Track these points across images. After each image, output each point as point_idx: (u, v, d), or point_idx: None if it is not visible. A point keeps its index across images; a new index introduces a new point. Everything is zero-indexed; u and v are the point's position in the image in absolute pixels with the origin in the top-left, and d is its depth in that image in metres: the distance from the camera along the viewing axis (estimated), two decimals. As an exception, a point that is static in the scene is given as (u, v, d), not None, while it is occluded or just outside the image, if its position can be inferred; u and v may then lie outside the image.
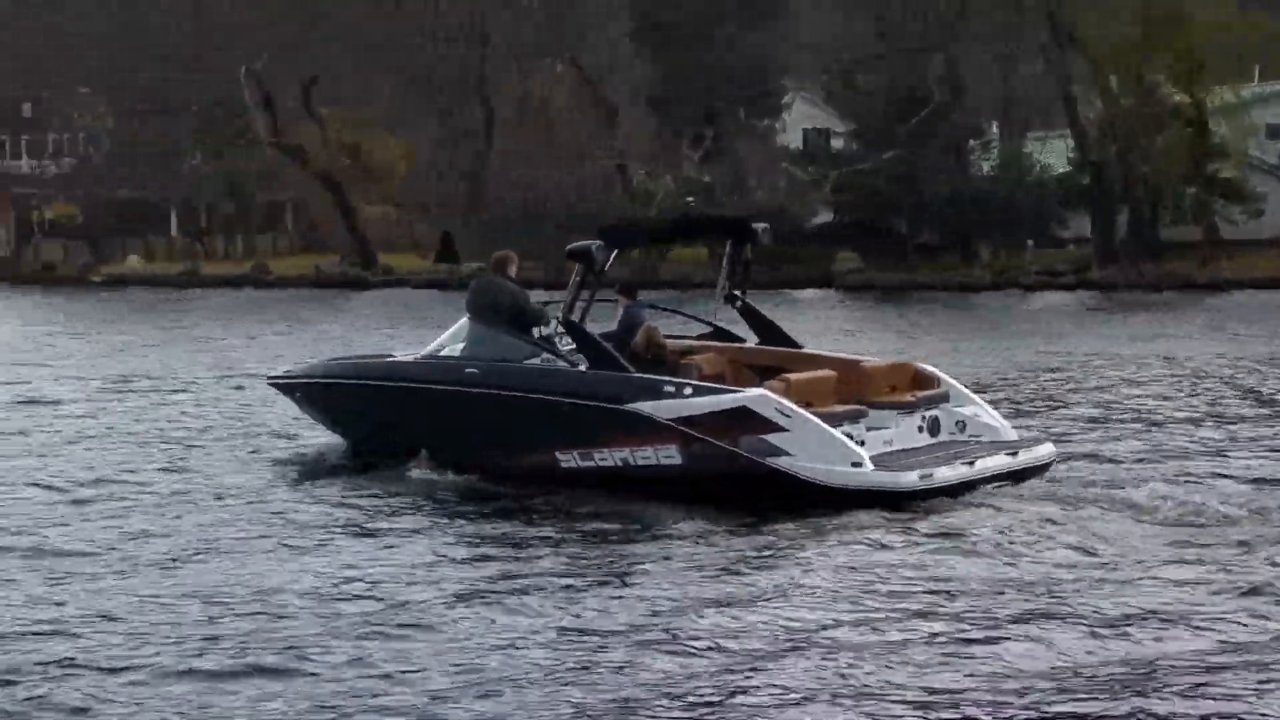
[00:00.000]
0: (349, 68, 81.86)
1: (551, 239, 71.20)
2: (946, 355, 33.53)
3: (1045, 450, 16.82)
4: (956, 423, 16.88)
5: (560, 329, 17.07)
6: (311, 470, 18.50)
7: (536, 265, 69.19)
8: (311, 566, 13.68)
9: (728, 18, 71.25)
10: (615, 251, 16.87)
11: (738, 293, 18.56)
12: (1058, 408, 24.60)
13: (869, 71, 71.54)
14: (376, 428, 18.23)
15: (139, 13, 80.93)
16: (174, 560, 13.95)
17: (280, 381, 20.32)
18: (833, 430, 15.39)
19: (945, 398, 17.03)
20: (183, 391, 27.39)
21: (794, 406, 15.43)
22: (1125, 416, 23.34)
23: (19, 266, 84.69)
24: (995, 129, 73.50)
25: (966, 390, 17.38)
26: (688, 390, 15.76)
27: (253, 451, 20.14)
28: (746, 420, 15.33)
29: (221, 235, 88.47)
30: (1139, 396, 25.72)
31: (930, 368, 17.64)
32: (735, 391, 15.84)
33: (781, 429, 15.18)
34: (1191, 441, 20.61)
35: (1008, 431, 17.00)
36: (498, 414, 16.68)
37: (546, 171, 75.37)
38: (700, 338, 18.35)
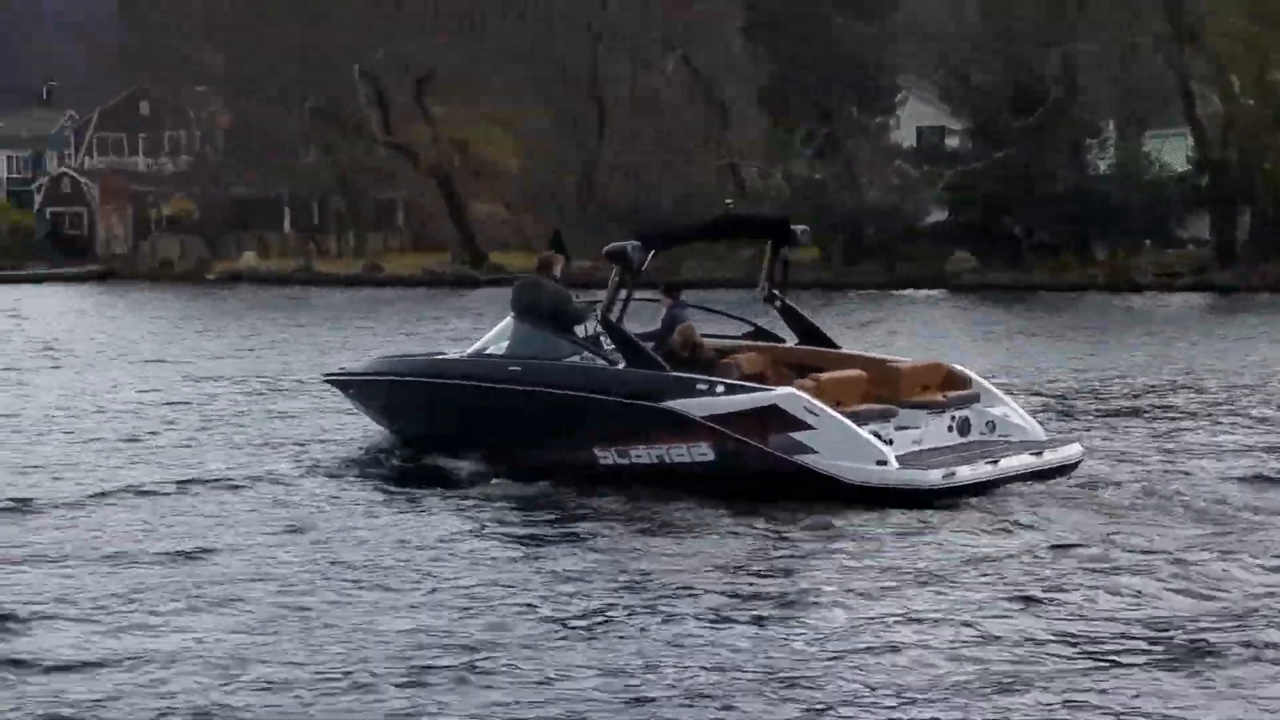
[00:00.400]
0: (462, 65, 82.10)
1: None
2: (1048, 356, 33.06)
3: (1072, 450, 17.00)
4: (987, 423, 17.06)
5: (600, 328, 17.30)
6: (364, 467, 18.83)
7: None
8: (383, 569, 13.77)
9: (841, 13, 70.77)
10: (652, 252, 17.02)
11: (777, 293, 18.71)
12: (1146, 412, 23.82)
13: (984, 69, 70.81)
14: (424, 424, 18.54)
15: (256, 11, 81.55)
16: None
17: (335, 378, 20.69)
18: (859, 429, 15.61)
19: (976, 398, 17.21)
20: (289, 392, 27.44)
21: (822, 405, 15.64)
22: (1221, 423, 22.64)
23: (136, 263, 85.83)
24: (1112, 127, 72.47)
25: (998, 391, 17.54)
26: (720, 389, 16.00)
27: (316, 448, 20.40)
28: (776, 418, 15.57)
29: (334, 232, 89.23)
30: (1240, 404, 24.91)
31: (962, 368, 17.78)
32: (766, 390, 16.07)
33: (810, 427, 15.43)
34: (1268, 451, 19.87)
35: (1037, 432, 17.17)
36: (538, 411, 16.95)
37: (657, 169, 75.28)
38: (743, 337, 18.53)
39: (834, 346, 18.21)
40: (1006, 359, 32.00)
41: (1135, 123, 71.84)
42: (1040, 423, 18.14)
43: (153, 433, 22.23)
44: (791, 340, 18.47)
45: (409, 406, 18.73)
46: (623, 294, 17.08)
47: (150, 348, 37.75)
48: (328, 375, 21.39)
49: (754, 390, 16.05)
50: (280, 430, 22.03)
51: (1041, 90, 67.79)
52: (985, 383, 17.54)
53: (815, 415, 15.49)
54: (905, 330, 41.26)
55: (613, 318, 16.95)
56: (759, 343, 18.28)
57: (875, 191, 69.70)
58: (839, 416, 15.59)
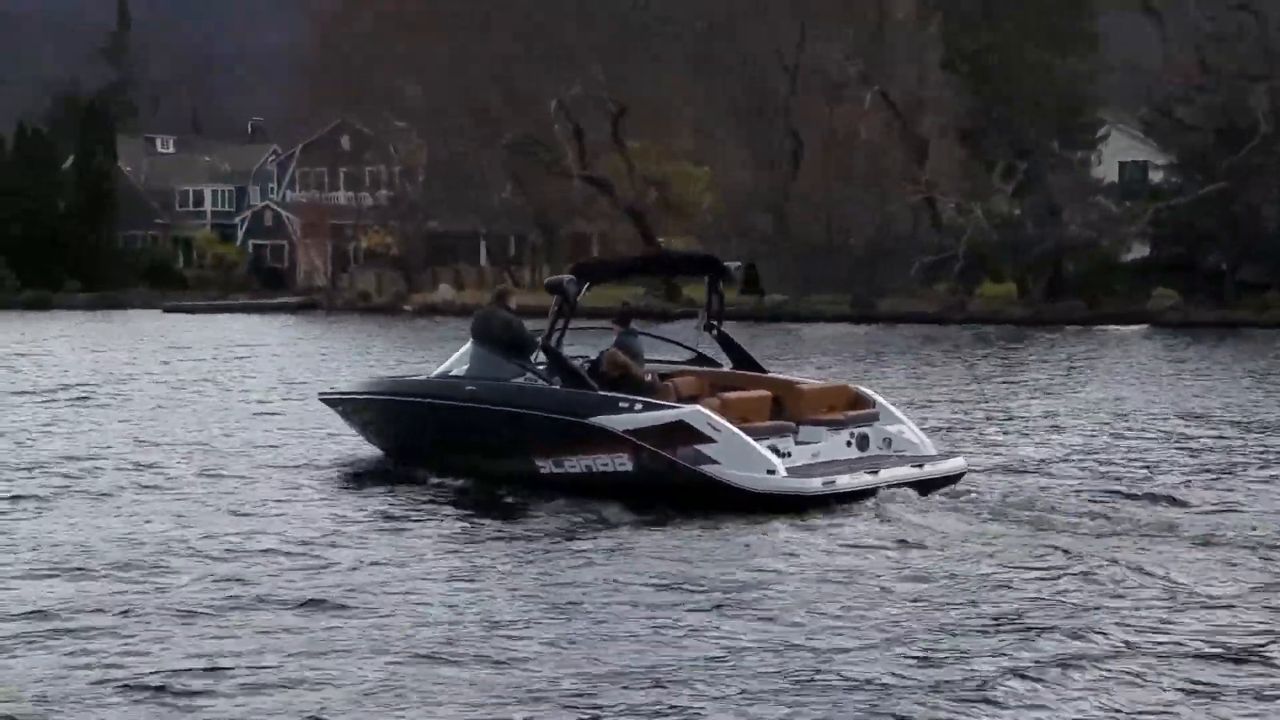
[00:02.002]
0: (658, 100, 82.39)
1: (855, 271, 70.74)
2: (1252, 394, 32.03)
3: (954, 464, 18.49)
4: (884, 439, 18.58)
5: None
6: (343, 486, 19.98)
7: (838, 298, 68.98)
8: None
9: (1043, 48, 69.84)
10: (587, 285, 18.95)
11: (714, 323, 20.27)
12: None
13: (1189, 103, 69.35)
14: (397, 439, 20.64)
15: (454, 47, 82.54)
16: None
17: (327, 397, 22.58)
18: (754, 442, 17.20)
19: (875, 417, 18.76)
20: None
21: (723, 421, 17.28)
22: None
23: (335, 295, 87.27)
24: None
25: (896, 411, 19.03)
26: (638, 406, 17.75)
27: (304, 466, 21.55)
28: (683, 432, 17.26)
29: (529, 265, 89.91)
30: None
31: (867, 390, 19.40)
32: (676, 408, 17.77)
33: (712, 440, 17.11)
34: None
35: (927, 447, 18.64)
36: (488, 425, 18.84)
37: (852, 203, 74.85)
38: (686, 362, 20.34)
39: (762, 371, 20.00)
40: (1212, 399, 31.08)
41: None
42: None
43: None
44: (727, 365, 20.17)
45: (384, 423, 20.77)
46: (560, 322, 18.85)
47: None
48: (322, 395, 23.10)
49: (666, 408, 17.74)
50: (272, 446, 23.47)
51: (1250, 125, 66.24)
52: (887, 404, 19.02)
53: (717, 430, 17.15)
54: (1103, 368, 40.22)
55: (552, 344, 18.80)
56: (699, 367, 20.10)
57: (1076, 226, 68.57)
58: (737, 431, 17.21)
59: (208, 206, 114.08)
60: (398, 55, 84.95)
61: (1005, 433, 24.92)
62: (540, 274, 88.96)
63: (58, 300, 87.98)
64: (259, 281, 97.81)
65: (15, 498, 18.46)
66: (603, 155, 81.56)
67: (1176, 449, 22.93)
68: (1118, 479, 19.85)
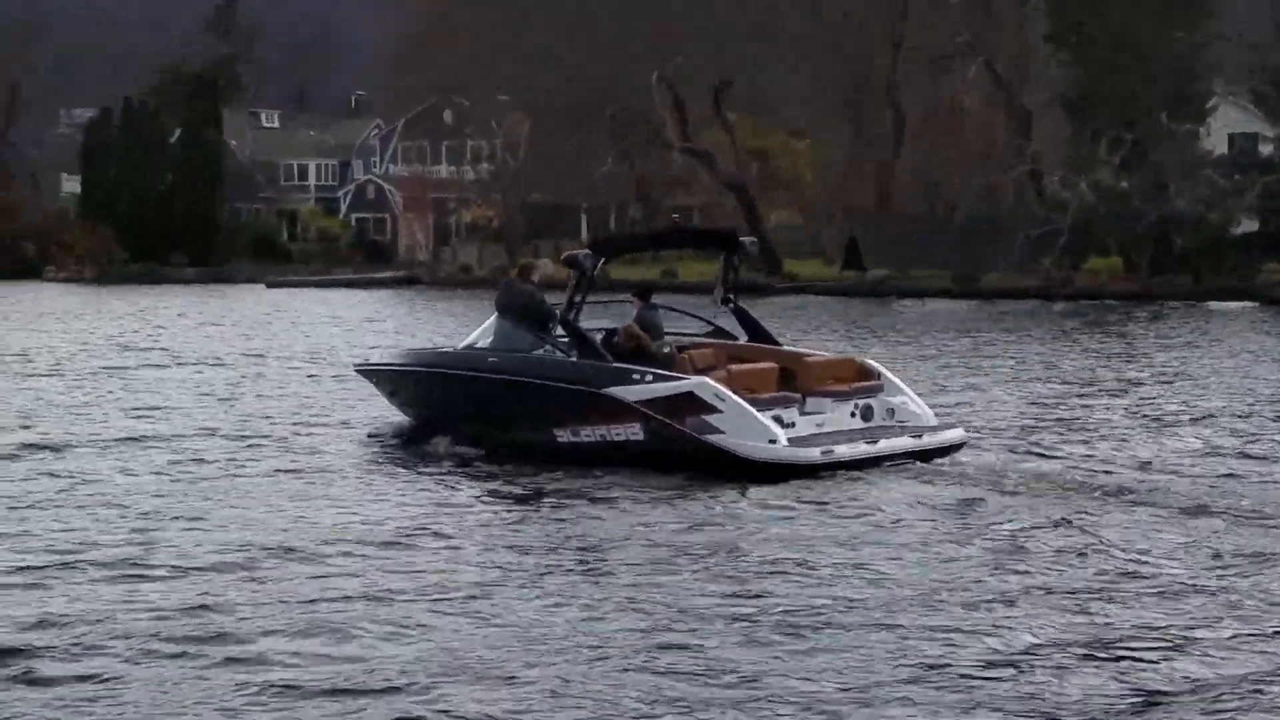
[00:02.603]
0: (760, 73, 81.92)
1: (958, 246, 69.91)
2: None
3: (953, 434, 19.12)
4: (887, 410, 19.21)
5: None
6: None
7: (940, 274, 68.17)
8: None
9: (1152, 18, 68.63)
10: (603, 259, 19.65)
11: (730, 296, 21.00)
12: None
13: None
14: (426, 408, 21.08)
15: (556, 21, 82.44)
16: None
17: (362, 369, 23.34)
18: (756, 412, 17.84)
19: (880, 389, 19.41)
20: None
21: (728, 392, 17.93)
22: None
23: (437, 269, 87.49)
24: None
25: (900, 382, 19.68)
26: (649, 377, 18.37)
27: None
28: (691, 403, 17.89)
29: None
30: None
31: (873, 363, 20.08)
32: (684, 378, 18.33)
33: (718, 410, 17.74)
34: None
35: (929, 418, 19.30)
36: (508, 395, 19.44)
37: (955, 177, 74.03)
38: (704, 335, 20.99)
39: (775, 344, 20.61)
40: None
41: None
42: None
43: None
44: (743, 338, 20.75)
45: (413, 393, 21.37)
46: (578, 296, 19.24)
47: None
48: (357, 366, 23.84)
49: (675, 379, 18.33)
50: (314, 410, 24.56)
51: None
52: (892, 376, 19.73)
53: (722, 400, 17.79)
54: (1206, 343, 39.44)
55: (570, 317, 19.24)
56: (716, 340, 20.66)
57: (1184, 201, 67.38)
58: (741, 401, 17.86)
59: (311, 180, 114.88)
60: (500, 28, 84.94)
61: (1088, 418, 24.32)
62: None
63: (165, 274, 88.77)
64: (362, 255, 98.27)
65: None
66: (704, 128, 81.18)
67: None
68: (1225, 461, 19.34)
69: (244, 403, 26.38)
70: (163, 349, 38.60)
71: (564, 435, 18.84)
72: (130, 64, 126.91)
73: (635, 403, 18.22)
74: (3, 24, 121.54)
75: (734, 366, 18.99)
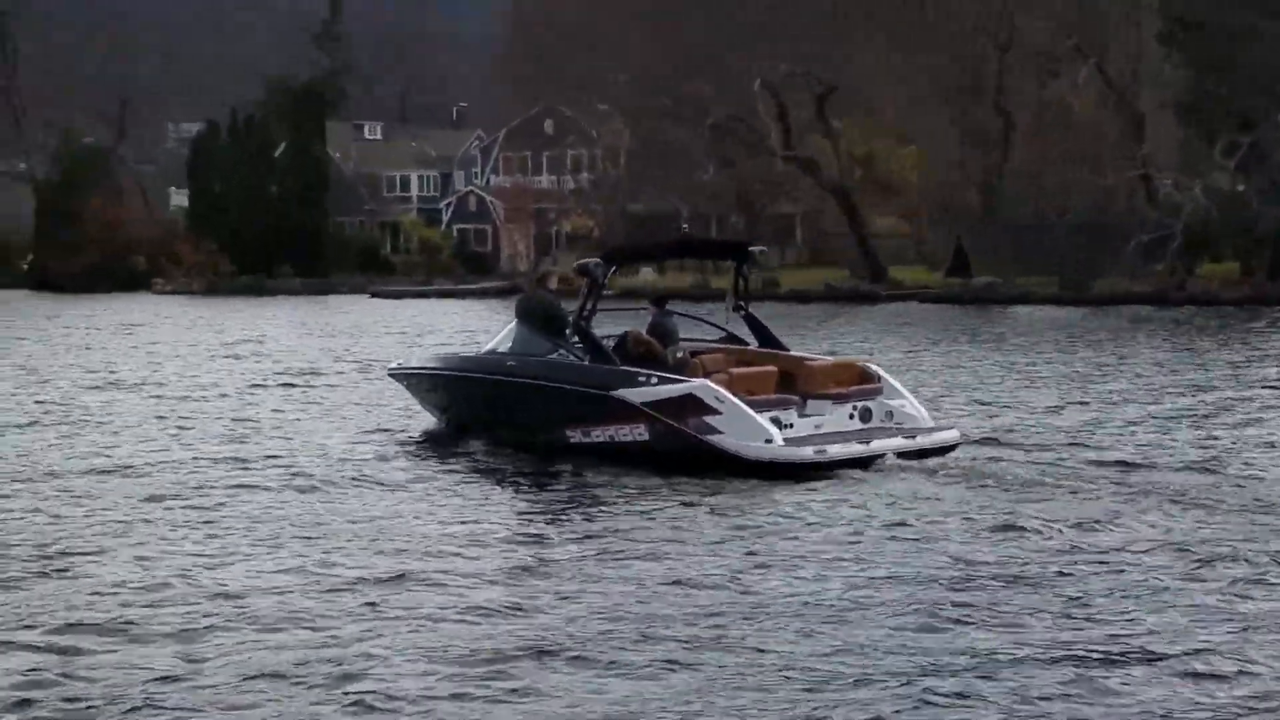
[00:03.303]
0: (863, 78, 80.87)
1: (1066, 251, 68.34)
2: None
3: (947, 435, 19.60)
4: (886, 412, 19.82)
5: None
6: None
7: (1048, 280, 66.61)
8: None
9: (1267, 17, 66.72)
10: (613, 268, 20.41)
11: (742, 304, 21.65)
12: None
13: None
14: (452, 409, 22.16)
15: (657, 29, 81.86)
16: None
17: (394, 373, 24.11)
18: (754, 414, 18.50)
19: (879, 391, 20.04)
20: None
21: (728, 394, 18.59)
22: None
23: (536, 278, 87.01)
24: None
25: (899, 386, 20.31)
26: (654, 380, 19.07)
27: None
28: (693, 404, 18.57)
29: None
30: None
31: (874, 367, 20.64)
32: (686, 382, 18.95)
33: (718, 412, 18.42)
34: None
35: (925, 419, 19.84)
36: (525, 398, 20.25)
37: (1065, 181, 72.52)
38: (718, 341, 21.65)
39: (784, 349, 21.22)
40: None
41: None
42: None
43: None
44: (754, 344, 21.47)
45: (439, 396, 22.38)
46: (590, 303, 19.92)
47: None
48: (390, 370, 24.57)
49: (678, 382, 18.97)
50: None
51: None
52: (891, 380, 20.36)
53: (722, 402, 18.46)
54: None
55: (582, 323, 19.96)
56: (728, 345, 21.43)
57: (1303, 204, 65.43)
58: (739, 403, 18.52)
59: (414, 192, 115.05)
60: (601, 37, 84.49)
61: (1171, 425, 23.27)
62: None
63: (271, 287, 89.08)
64: (463, 266, 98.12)
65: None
66: (807, 135, 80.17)
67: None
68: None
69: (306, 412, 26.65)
70: (268, 357, 38.93)
71: (576, 435, 19.62)
72: (237, 77, 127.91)
73: (641, 404, 18.96)
74: (110, 40, 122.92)
75: (735, 370, 19.69)
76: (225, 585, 12.97)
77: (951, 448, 19.31)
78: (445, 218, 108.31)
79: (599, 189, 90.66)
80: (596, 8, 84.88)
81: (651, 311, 21.38)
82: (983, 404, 26.15)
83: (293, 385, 31.23)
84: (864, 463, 18.46)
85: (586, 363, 19.79)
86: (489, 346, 21.67)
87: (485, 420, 21.15)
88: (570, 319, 20.24)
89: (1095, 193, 72.53)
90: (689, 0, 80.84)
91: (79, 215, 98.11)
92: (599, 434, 19.36)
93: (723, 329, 21.87)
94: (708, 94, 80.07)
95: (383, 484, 18.41)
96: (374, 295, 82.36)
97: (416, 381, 22.97)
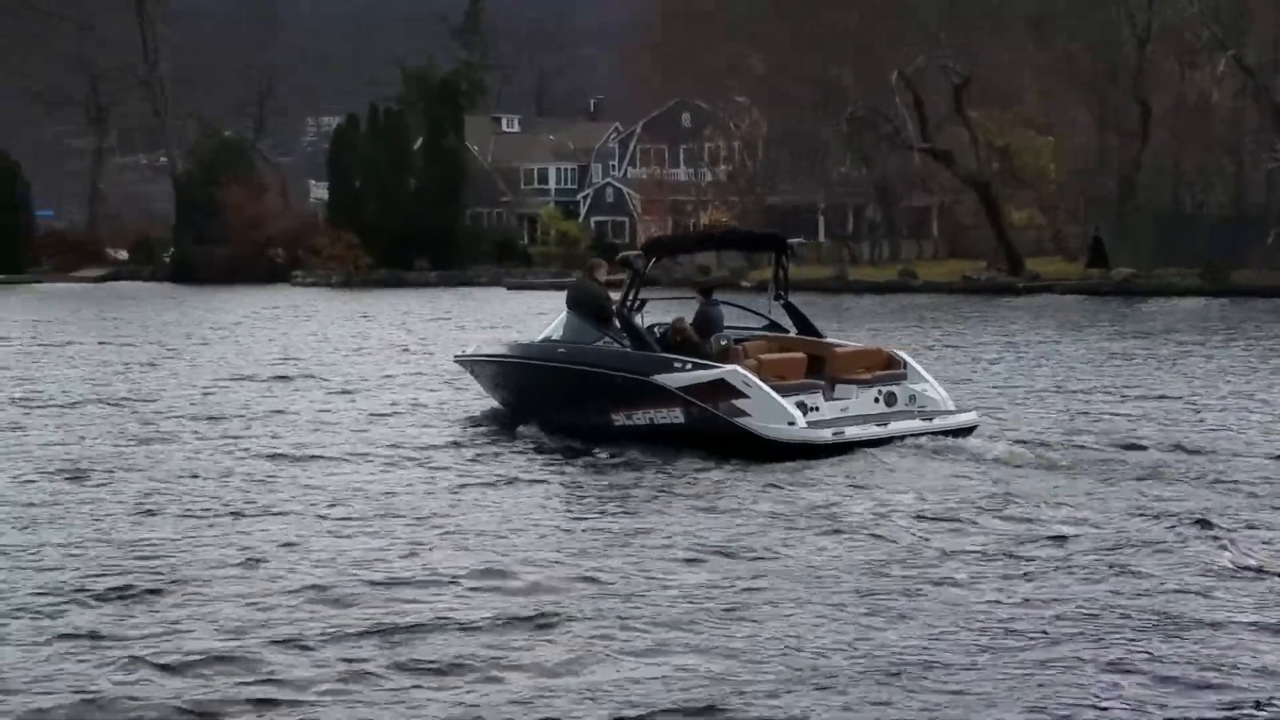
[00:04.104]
0: (1002, 69, 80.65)
1: (1206, 242, 67.87)
2: None
3: (965, 418, 20.61)
4: (910, 396, 20.82)
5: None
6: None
7: (1188, 271, 66.13)
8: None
9: None
10: (653, 259, 21.78)
11: (782, 294, 22.76)
12: None
13: None
14: (510, 394, 23.37)
15: (797, 20, 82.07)
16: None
17: (459, 359, 25.44)
18: (779, 398, 19.55)
19: (904, 376, 21.02)
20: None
21: (756, 379, 19.63)
22: None
23: (674, 270, 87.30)
24: None
25: (923, 370, 21.25)
26: (689, 366, 20.11)
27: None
28: (724, 389, 19.62)
29: (868, 239, 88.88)
30: None
31: (900, 353, 21.53)
32: (718, 368, 19.98)
33: (747, 396, 19.48)
34: None
35: (946, 403, 20.82)
36: (573, 382, 21.38)
37: (1203, 172, 71.94)
38: (761, 329, 22.66)
39: (820, 336, 22.25)
40: None
41: None
42: None
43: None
44: (793, 331, 22.49)
45: (498, 381, 23.60)
46: (633, 293, 21.22)
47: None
48: (456, 357, 25.83)
49: (710, 368, 20.00)
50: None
51: None
52: (916, 365, 21.30)
53: (750, 387, 19.52)
54: None
55: (625, 311, 21.21)
56: (770, 333, 22.48)
57: None
58: (765, 387, 19.57)
59: (551, 184, 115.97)
60: (739, 29, 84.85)
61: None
62: (879, 248, 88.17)
63: (409, 279, 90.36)
64: (601, 258, 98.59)
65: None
66: (945, 126, 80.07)
67: None
68: None
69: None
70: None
71: (619, 418, 20.68)
72: (377, 71, 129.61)
73: (677, 389, 20.00)
74: (254, 34, 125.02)
75: (764, 356, 20.82)
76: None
77: (969, 429, 20.23)
78: (582, 210, 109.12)
79: (735, 181, 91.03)
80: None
81: (699, 300, 22.37)
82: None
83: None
84: (881, 443, 19.48)
85: (629, 350, 20.96)
86: (544, 334, 22.82)
87: (539, 404, 22.24)
88: (615, 308, 21.45)
89: (1234, 183, 71.91)
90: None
91: (219, 208, 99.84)
92: (640, 417, 20.47)
93: (766, 317, 22.90)
94: (846, 85, 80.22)
95: (437, 465, 19.61)
96: (510, 288, 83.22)
97: (479, 367, 24.30)
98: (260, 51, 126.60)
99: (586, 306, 21.77)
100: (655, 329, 21.59)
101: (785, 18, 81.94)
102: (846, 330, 38.19)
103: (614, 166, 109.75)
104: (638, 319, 21.63)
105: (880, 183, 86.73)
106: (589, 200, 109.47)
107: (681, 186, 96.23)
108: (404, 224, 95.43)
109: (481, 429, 22.92)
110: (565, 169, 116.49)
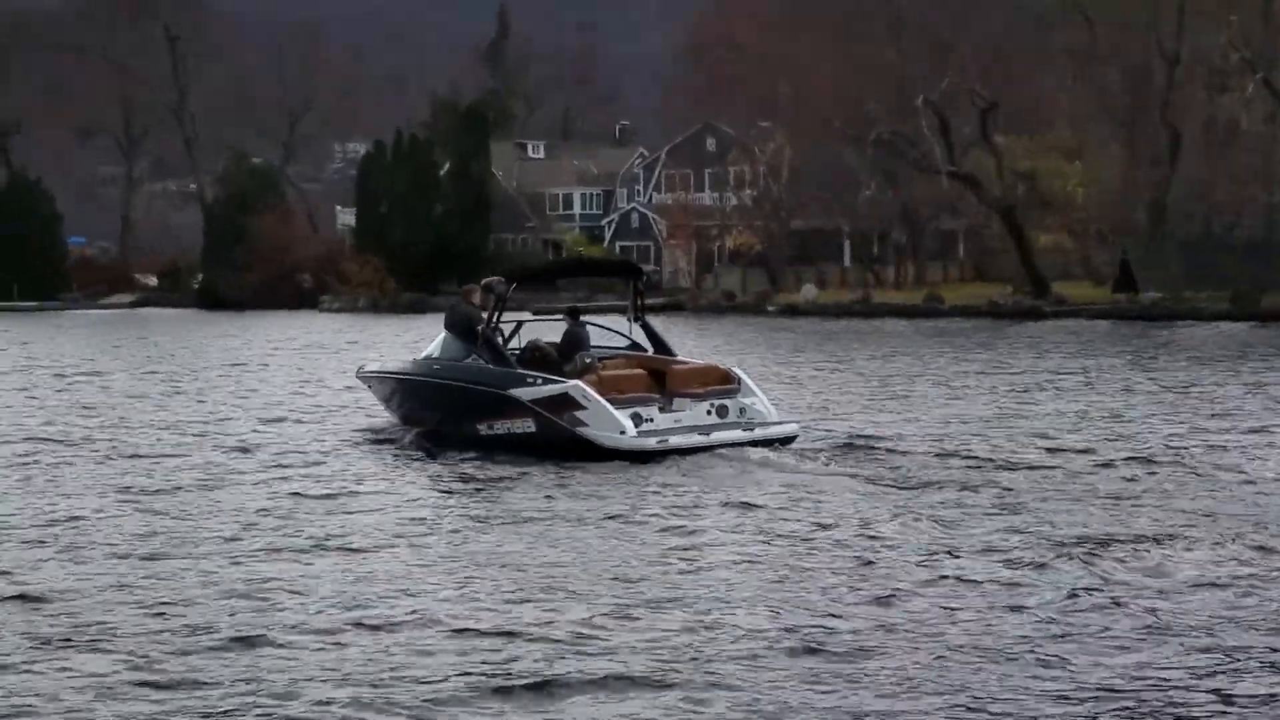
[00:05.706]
0: (1027, 93, 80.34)
1: (1234, 266, 67.26)
2: None
3: (785, 429, 22.42)
4: (740, 409, 22.51)
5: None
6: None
7: (1217, 295, 65.47)
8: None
9: None
10: (514, 285, 23.47)
11: (639, 316, 24.59)
12: None
13: None
14: (400, 408, 25.24)
15: (822, 47, 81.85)
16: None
17: (360, 375, 27.25)
18: (613, 410, 21.43)
19: (736, 391, 22.74)
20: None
21: (594, 393, 21.57)
22: None
23: (699, 295, 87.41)
24: None
25: (754, 386, 23.01)
26: (540, 381, 22.16)
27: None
28: (567, 402, 21.61)
29: (893, 264, 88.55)
30: None
31: (736, 370, 23.23)
32: (562, 382, 21.97)
33: (585, 408, 21.45)
34: None
35: (771, 415, 22.63)
36: (445, 396, 23.55)
37: (1233, 197, 71.47)
38: (623, 348, 24.57)
39: (672, 354, 24.11)
40: None
41: None
42: None
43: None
44: (650, 350, 24.25)
45: (388, 396, 25.63)
46: (495, 316, 23.28)
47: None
48: (358, 374, 27.60)
49: (557, 382, 22.02)
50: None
51: None
52: (749, 381, 23.02)
53: (588, 400, 21.49)
54: None
55: (488, 332, 23.18)
56: (630, 352, 24.37)
57: None
58: (602, 400, 21.52)
59: (576, 209, 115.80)
60: (764, 55, 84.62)
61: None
62: (904, 272, 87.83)
63: (434, 304, 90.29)
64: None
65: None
66: (971, 151, 79.72)
67: None
68: None
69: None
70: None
71: (483, 428, 22.65)
72: (406, 98, 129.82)
73: (529, 401, 22.06)
74: (283, 64, 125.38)
75: (604, 372, 22.81)
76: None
77: (789, 440, 22.08)
78: (608, 235, 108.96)
79: (761, 205, 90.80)
80: (760, 26, 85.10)
81: (567, 322, 24.34)
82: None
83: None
84: (703, 450, 21.28)
85: (491, 366, 23.05)
86: (426, 353, 24.98)
87: (422, 416, 24.30)
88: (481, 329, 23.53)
89: (1263, 208, 71.41)
90: (872, 21, 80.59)
91: (247, 234, 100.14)
92: (500, 427, 22.46)
93: (629, 337, 24.79)
94: (870, 110, 79.94)
95: (335, 475, 20.65)
96: (536, 313, 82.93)
97: (373, 383, 26.36)
98: (291, 80, 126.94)
99: (459, 328, 23.84)
100: (526, 348, 23.55)
101: (823, 56, 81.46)
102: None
103: (639, 191, 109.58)
104: (515, 340, 24.08)
105: (906, 206, 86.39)
106: (614, 225, 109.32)
107: (706, 211, 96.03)
108: (430, 249, 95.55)
109: (369, 444, 24.24)
110: (590, 194, 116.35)
